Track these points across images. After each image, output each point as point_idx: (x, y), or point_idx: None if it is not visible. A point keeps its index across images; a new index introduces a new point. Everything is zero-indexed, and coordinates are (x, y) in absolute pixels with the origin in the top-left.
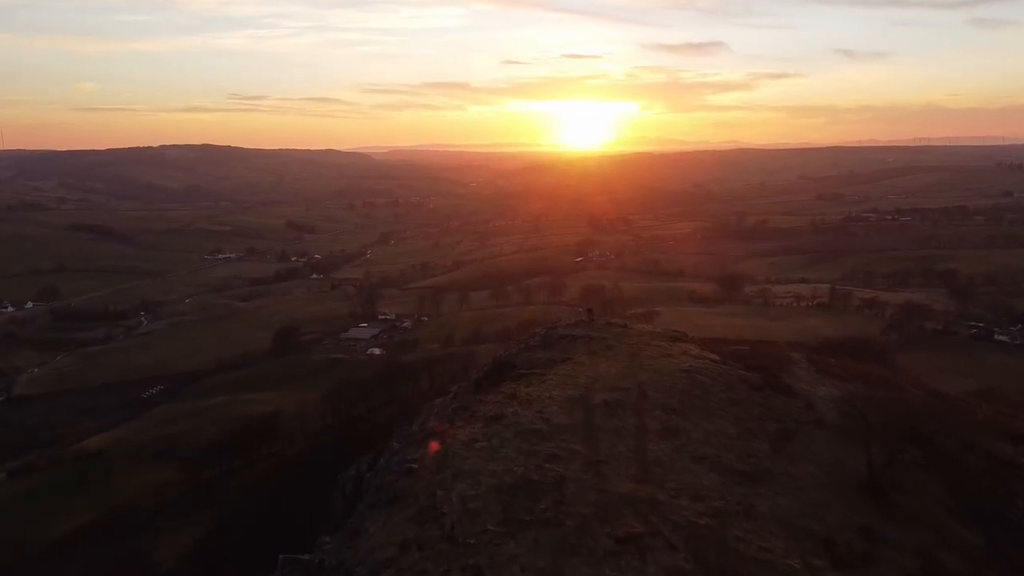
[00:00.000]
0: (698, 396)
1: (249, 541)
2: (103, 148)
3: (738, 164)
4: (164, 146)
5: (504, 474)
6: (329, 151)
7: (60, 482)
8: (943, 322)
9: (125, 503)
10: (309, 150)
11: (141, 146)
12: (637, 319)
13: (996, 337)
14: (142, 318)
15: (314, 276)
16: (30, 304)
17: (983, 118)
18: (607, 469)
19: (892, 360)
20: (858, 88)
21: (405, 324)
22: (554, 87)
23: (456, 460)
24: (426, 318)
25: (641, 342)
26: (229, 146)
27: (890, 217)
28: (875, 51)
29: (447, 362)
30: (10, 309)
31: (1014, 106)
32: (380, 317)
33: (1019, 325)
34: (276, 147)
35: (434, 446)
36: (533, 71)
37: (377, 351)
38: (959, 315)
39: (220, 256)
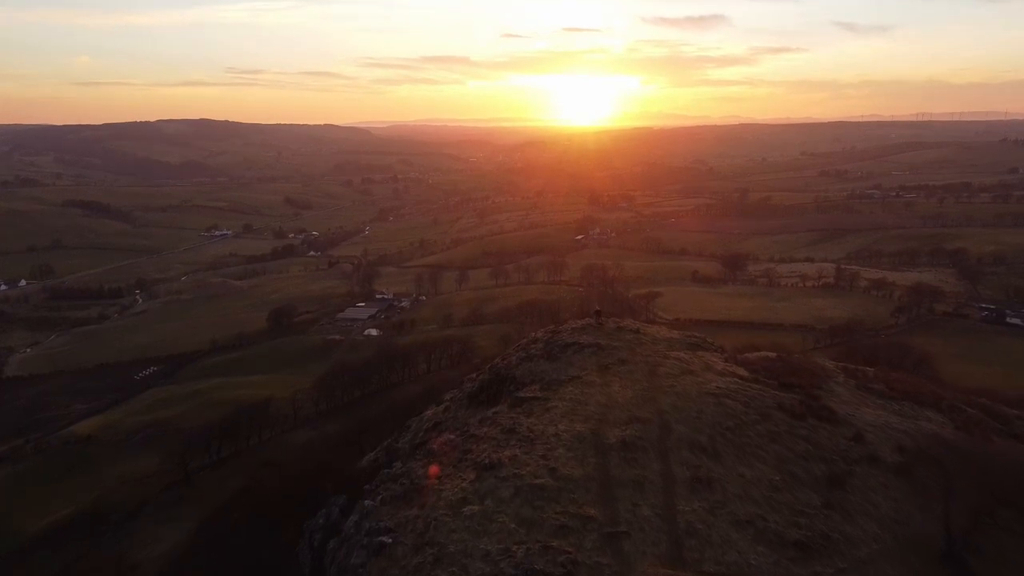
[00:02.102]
0: (731, 430)
1: None
2: (100, 123)
3: (740, 139)
4: (161, 120)
5: (500, 558)
6: (328, 126)
7: (46, 470)
8: (954, 304)
9: (108, 494)
10: (307, 125)
11: (138, 121)
12: (640, 300)
13: (1009, 320)
14: (137, 296)
15: (311, 254)
16: (23, 282)
17: (986, 93)
18: (629, 545)
19: (933, 365)
20: (860, 62)
21: (403, 304)
22: (554, 61)
23: (440, 533)
24: (424, 297)
25: (657, 353)
26: (227, 121)
27: (894, 194)
28: (877, 25)
29: (444, 346)
30: (3, 287)
31: (1017, 81)
32: (378, 296)
33: None
34: (274, 122)
35: (416, 506)
36: (533, 45)
37: (374, 332)
38: (969, 297)
39: (216, 233)
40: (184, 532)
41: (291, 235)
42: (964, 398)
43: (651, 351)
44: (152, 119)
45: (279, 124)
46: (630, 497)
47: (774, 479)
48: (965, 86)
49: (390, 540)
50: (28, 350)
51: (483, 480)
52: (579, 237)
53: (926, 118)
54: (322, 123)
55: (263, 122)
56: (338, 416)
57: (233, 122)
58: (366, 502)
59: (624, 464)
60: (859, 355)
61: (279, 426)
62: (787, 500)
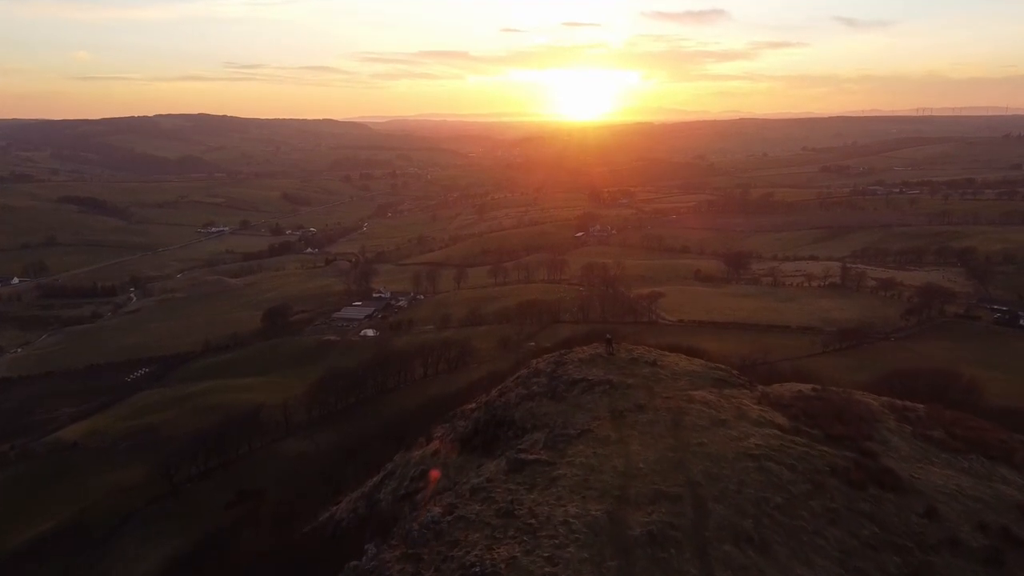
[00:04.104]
0: (780, 508)
1: None
2: (97, 118)
3: (740, 134)
4: (159, 115)
5: None
6: (326, 120)
7: (30, 478)
8: (964, 306)
9: (92, 507)
10: (306, 119)
11: (136, 115)
12: (642, 300)
13: (1022, 323)
14: (131, 295)
15: (308, 250)
16: (16, 280)
17: (986, 88)
18: None
19: (982, 393)
20: (860, 57)
21: (400, 303)
22: (553, 56)
23: None
24: (422, 296)
25: (680, 394)
26: (225, 115)
27: (898, 191)
28: (877, 19)
29: (442, 349)
30: None
31: (1018, 76)
32: (375, 295)
33: None
34: (272, 117)
35: None
36: (532, 39)
37: (371, 332)
38: (980, 298)
39: (213, 230)
40: (168, 550)
41: (288, 232)
42: None
43: (672, 391)
44: (150, 114)
45: (277, 119)
46: None
47: None
48: (965, 81)
49: None
50: (19, 350)
51: None
52: (579, 234)
53: (926, 113)
54: (321, 118)
55: (262, 117)
56: (331, 424)
57: (231, 117)
58: None
59: (653, 567)
60: (899, 382)
61: (270, 434)
62: None
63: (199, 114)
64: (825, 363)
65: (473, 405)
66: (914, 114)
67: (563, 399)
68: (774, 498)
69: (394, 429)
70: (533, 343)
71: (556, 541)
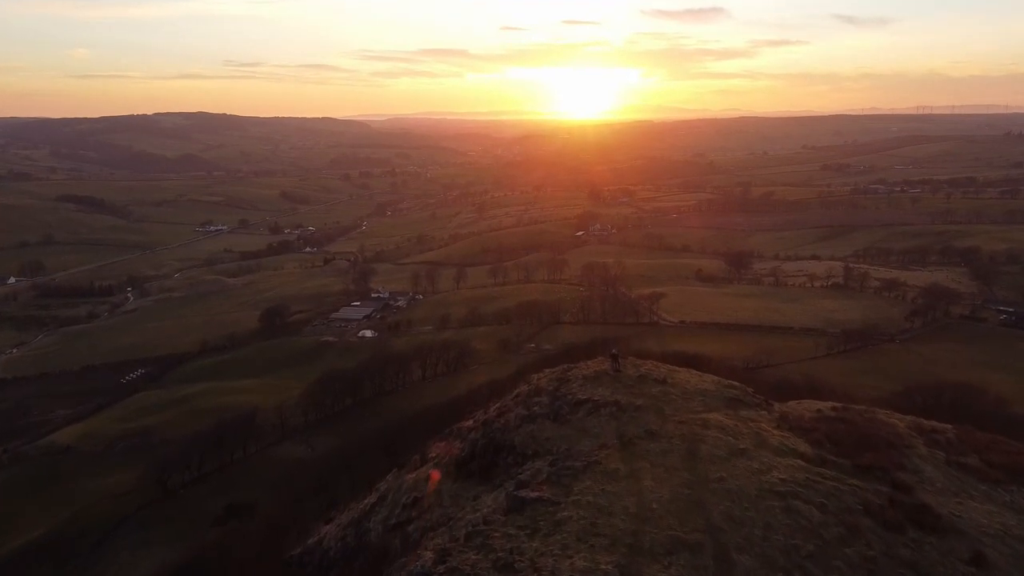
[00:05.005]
0: (812, 558)
1: None
2: (96, 116)
3: (740, 132)
4: (158, 114)
5: None
6: (326, 119)
7: (22, 483)
8: (970, 307)
9: (83, 513)
10: (305, 118)
11: (135, 114)
12: (643, 300)
13: None
14: (128, 294)
15: (307, 249)
16: (12, 279)
17: (985, 86)
18: None
19: (1010, 408)
20: (859, 55)
21: (399, 303)
22: (553, 54)
23: None
24: (421, 296)
25: (693, 418)
26: (224, 114)
27: (899, 189)
28: (876, 17)
29: (441, 351)
30: None
31: (1018, 73)
32: (373, 295)
33: None
34: (272, 115)
35: None
36: (531, 37)
37: (369, 333)
38: (985, 298)
39: (211, 228)
40: (159, 560)
41: (287, 230)
42: None
43: (684, 414)
44: (149, 112)
45: (277, 117)
46: None
47: None
48: (965, 79)
49: None
50: (14, 350)
51: None
52: (579, 233)
53: (926, 111)
54: (320, 116)
55: (261, 115)
56: (328, 428)
57: (231, 115)
58: None
59: None
60: (921, 398)
61: (266, 438)
62: None
63: (198, 112)
64: (831, 366)
65: (470, 422)
66: (914, 112)
67: (567, 422)
68: (805, 546)
69: (390, 438)
70: (533, 344)
71: None
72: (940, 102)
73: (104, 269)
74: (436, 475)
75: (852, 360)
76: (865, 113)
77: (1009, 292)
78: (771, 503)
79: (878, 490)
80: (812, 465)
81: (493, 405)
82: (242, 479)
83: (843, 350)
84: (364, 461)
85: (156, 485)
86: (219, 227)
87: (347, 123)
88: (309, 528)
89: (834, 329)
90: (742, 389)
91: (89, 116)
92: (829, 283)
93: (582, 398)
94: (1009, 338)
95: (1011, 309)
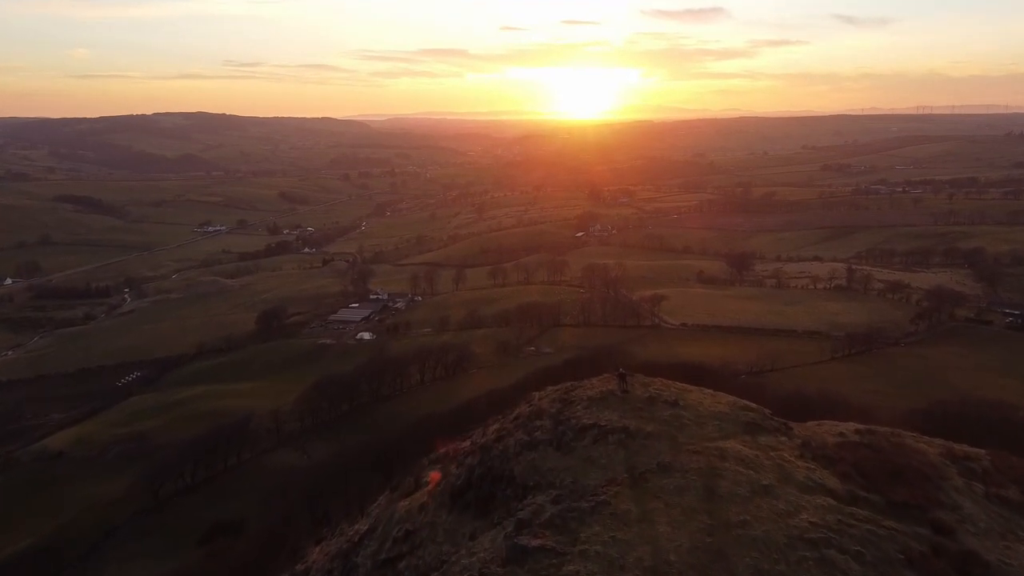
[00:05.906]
0: None
1: None
2: (96, 116)
3: (740, 132)
4: (158, 114)
5: None
6: (325, 119)
7: (12, 490)
8: (975, 309)
9: (73, 523)
10: (305, 118)
11: (135, 114)
12: (645, 303)
13: None
14: (125, 295)
15: (306, 250)
16: (9, 280)
17: (986, 86)
18: None
19: None
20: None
21: (398, 304)
22: (553, 54)
23: None
24: (420, 297)
25: (710, 447)
26: (224, 114)
27: (901, 190)
28: (876, 17)
29: (440, 354)
30: None
31: (1017, 74)
32: (372, 297)
33: None
34: (271, 115)
35: None
36: (531, 37)
37: (367, 336)
38: (990, 300)
39: (210, 229)
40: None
41: (286, 231)
42: None
43: (699, 443)
44: (148, 112)
45: (276, 117)
46: None
47: None
48: (965, 79)
49: None
50: (9, 352)
51: None
52: (579, 234)
53: (926, 111)
54: (320, 116)
55: (261, 115)
56: (323, 434)
57: (230, 115)
58: None
59: None
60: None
61: (260, 444)
62: None
63: (198, 112)
64: (837, 371)
65: (467, 444)
66: (914, 112)
67: (571, 450)
68: None
69: (385, 451)
70: (533, 347)
71: None
72: (940, 102)
73: (101, 270)
74: (430, 501)
75: (858, 365)
76: (865, 113)
77: (1014, 294)
78: (803, 553)
79: (917, 533)
80: (843, 504)
81: (491, 426)
82: (235, 489)
83: (848, 354)
84: (358, 474)
85: (148, 494)
86: (218, 227)
87: (347, 123)
88: (298, 548)
89: (838, 332)
90: (759, 411)
91: (88, 116)
92: (832, 285)
93: (588, 423)
94: (1017, 341)
95: (1017, 311)
